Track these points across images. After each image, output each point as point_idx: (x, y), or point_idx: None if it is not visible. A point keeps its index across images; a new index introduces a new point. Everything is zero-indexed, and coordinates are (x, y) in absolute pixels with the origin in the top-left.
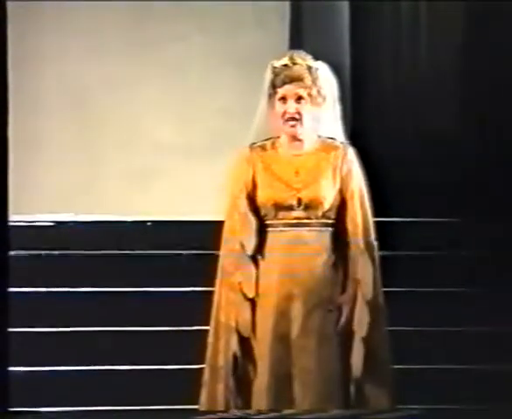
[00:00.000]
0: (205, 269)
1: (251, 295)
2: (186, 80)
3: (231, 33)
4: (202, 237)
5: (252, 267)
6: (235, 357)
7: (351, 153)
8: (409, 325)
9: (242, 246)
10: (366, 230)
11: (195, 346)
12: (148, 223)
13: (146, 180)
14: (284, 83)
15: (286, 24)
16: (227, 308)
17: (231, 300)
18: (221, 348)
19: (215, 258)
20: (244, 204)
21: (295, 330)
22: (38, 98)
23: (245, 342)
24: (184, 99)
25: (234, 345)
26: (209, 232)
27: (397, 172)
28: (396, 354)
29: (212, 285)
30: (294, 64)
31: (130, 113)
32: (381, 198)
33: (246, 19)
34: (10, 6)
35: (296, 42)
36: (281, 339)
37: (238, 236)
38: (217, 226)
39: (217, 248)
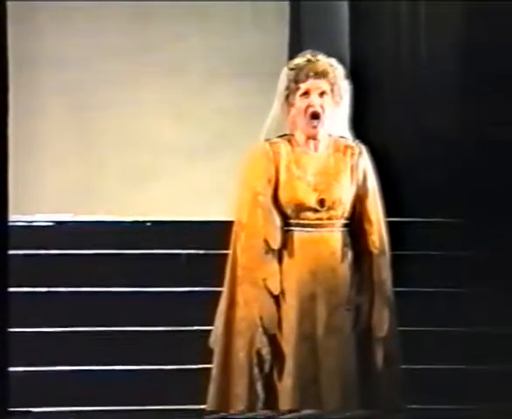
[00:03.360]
0: (205, 269)
1: (276, 292)
2: (186, 80)
3: (231, 33)
4: (202, 237)
5: (275, 264)
6: (259, 354)
7: (365, 152)
8: (409, 325)
9: (266, 242)
10: (380, 228)
11: (195, 347)
12: (148, 224)
13: (146, 180)
14: (308, 77)
15: (285, 24)
16: (250, 305)
17: (255, 297)
18: (242, 345)
19: (215, 258)
20: (268, 201)
21: (320, 330)
22: (38, 98)
23: (270, 339)
24: (184, 99)
25: (259, 341)
26: (209, 232)
27: (397, 172)
28: None
29: (212, 284)
30: (317, 60)
31: (130, 113)
32: (381, 198)
33: (246, 20)
34: (9, 6)
35: (296, 42)
36: (306, 339)
37: (262, 233)
38: (217, 226)
39: (217, 248)
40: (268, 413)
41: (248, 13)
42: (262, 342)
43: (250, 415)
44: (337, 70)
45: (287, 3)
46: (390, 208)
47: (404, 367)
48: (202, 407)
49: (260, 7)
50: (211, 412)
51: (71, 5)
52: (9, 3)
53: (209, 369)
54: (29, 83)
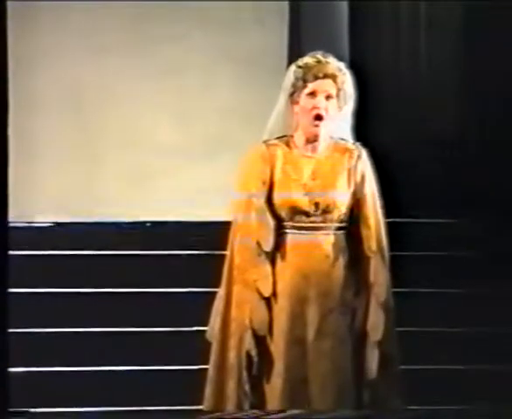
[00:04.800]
0: (205, 269)
1: (267, 294)
2: (185, 80)
3: (231, 33)
4: (202, 237)
5: (268, 266)
6: (249, 355)
7: (365, 155)
8: (409, 325)
9: (259, 244)
10: (378, 232)
11: (195, 347)
12: (148, 224)
13: (146, 180)
14: (316, 78)
15: (285, 23)
16: (241, 306)
17: (246, 298)
18: (233, 346)
19: (215, 258)
20: (262, 203)
21: (311, 333)
22: (38, 98)
23: (259, 341)
24: (184, 98)
25: (248, 343)
26: (209, 232)
27: (397, 172)
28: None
29: (212, 285)
30: (327, 62)
31: (130, 112)
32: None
33: (246, 19)
34: (9, 5)
35: (296, 42)
36: (297, 342)
37: (255, 234)
38: (217, 226)
39: (217, 248)
40: (257, 413)
41: (248, 12)
42: (251, 343)
43: (241, 415)
44: (345, 75)
45: (287, 2)
46: (389, 208)
47: (403, 367)
48: (201, 407)
49: (260, 6)
50: (208, 412)
51: (70, 4)
52: (8, 2)
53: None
54: (28, 83)
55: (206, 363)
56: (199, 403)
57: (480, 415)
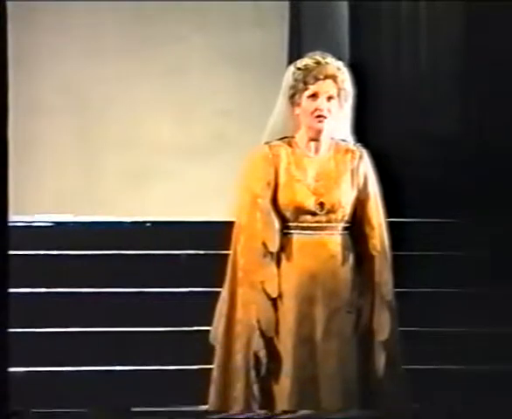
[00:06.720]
0: (205, 269)
1: (274, 295)
2: (186, 80)
3: (231, 33)
4: (202, 237)
5: (273, 267)
6: (256, 356)
7: (366, 156)
8: (409, 325)
9: (264, 245)
10: (381, 231)
11: (195, 347)
12: (148, 224)
13: (146, 180)
14: (317, 80)
15: (285, 24)
16: (247, 307)
17: (252, 299)
18: (239, 347)
19: (215, 258)
20: (267, 204)
21: (319, 333)
22: (38, 98)
23: (267, 342)
24: (184, 99)
25: (256, 344)
26: (209, 232)
27: (397, 172)
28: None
29: (211, 285)
30: (327, 63)
31: (130, 113)
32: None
33: (246, 19)
34: (9, 6)
35: (295, 42)
36: (305, 341)
37: (260, 235)
38: (217, 226)
39: (217, 248)
40: (266, 413)
41: (248, 13)
42: (259, 345)
43: (249, 415)
44: (345, 74)
45: (287, 2)
46: (390, 208)
47: (403, 367)
48: (202, 407)
49: (260, 7)
50: (212, 412)
51: (71, 5)
52: (9, 3)
53: (209, 369)
54: (28, 83)
55: (207, 363)
56: (199, 403)
57: (480, 414)
